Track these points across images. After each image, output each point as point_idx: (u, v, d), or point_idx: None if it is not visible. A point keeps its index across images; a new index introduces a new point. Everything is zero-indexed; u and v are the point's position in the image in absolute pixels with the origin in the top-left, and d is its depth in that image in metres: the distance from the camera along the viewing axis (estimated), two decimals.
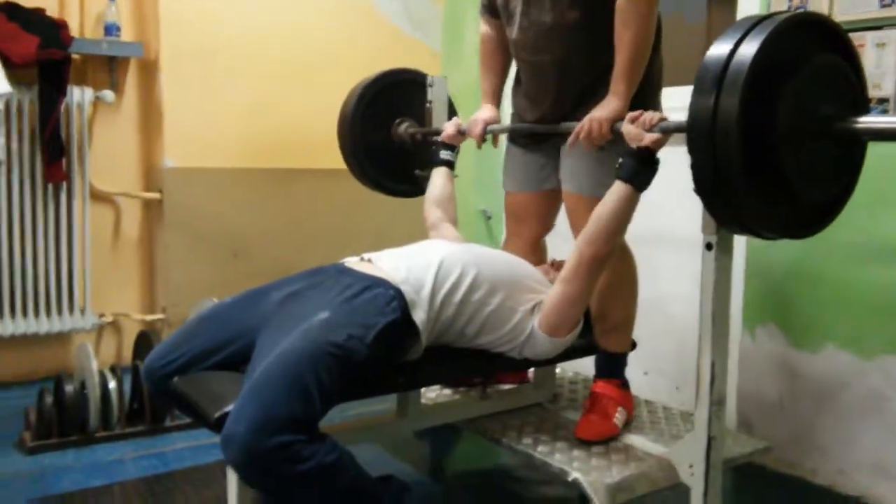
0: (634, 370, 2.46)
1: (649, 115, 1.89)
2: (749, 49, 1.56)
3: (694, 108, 1.61)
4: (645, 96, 2.12)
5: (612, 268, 2.13)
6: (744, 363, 2.71)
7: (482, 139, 2.45)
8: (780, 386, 2.62)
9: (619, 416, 2.24)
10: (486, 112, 2.48)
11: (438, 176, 2.50)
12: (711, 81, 1.58)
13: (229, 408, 1.63)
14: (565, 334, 2.05)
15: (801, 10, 2.31)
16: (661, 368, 2.96)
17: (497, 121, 2.48)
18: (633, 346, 2.37)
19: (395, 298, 1.86)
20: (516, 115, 2.46)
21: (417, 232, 2.45)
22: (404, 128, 2.80)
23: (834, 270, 2.47)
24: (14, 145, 3.17)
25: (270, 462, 1.56)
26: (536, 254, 2.51)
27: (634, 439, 2.22)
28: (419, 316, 1.89)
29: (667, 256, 2.86)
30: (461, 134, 2.50)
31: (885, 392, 2.36)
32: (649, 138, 1.87)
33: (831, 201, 1.79)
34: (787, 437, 2.59)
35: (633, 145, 1.90)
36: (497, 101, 2.54)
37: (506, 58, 2.47)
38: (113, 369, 2.83)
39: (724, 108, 1.55)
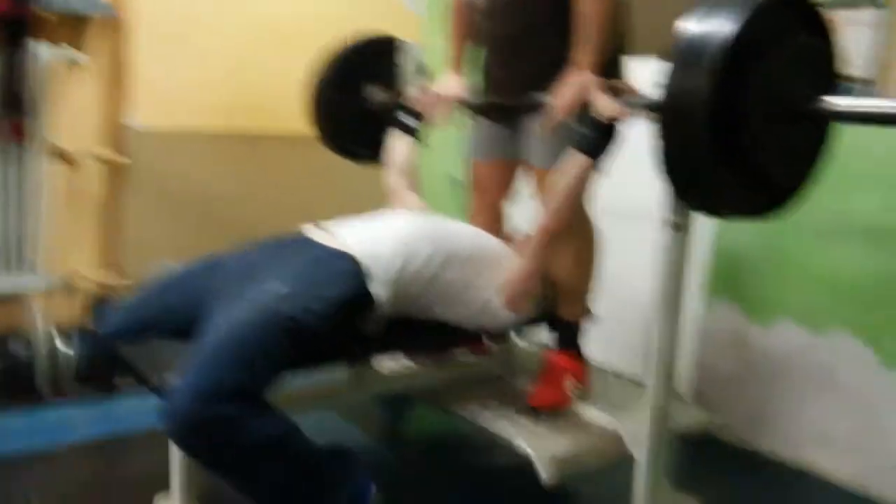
0: (598, 341, 2.47)
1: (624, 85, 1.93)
2: (723, 26, 1.54)
3: (665, 85, 1.59)
4: (606, 65, 2.10)
5: (571, 237, 2.13)
6: (703, 338, 2.74)
7: (446, 114, 2.45)
8: (736, 360, 2.66)
9: (571, 386, 2.24)
10: (451, 83, 2.45)
11: (399, 142, 2.46)
12: (684, 58, 1.57)
13: (171, 375, 1.61)
14: (523, 307, 2.07)
15: None
16: (626, 340, 2.97)
17: (463, 90, 2.45)
18: (592, 316, 2.37)
19: (352, 272, 1.84)
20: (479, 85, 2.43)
21: (384, 200, 2.43)
22: (373, 93, 2.76)
23: (797, 248, 2.50)
24: None
25: (213, 433, 1.53)
26: (499, 221, 2.51)
27: (587, 410, 2.23)
28: (377, 289, 1.86)
29: (634, 230, 2.85)
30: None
31: (834, 366, 2.42)
32: (621, 111, 1.88)
33: (796, 182, 1.79)
34: (740, 410, 2.64)
35: (600, 116, 1.90)
36: (462, 68, 2.51)
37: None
38: (66, 332, 2.79)
39: (695, 85, 1.54)
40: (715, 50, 1.51)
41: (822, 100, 1.63)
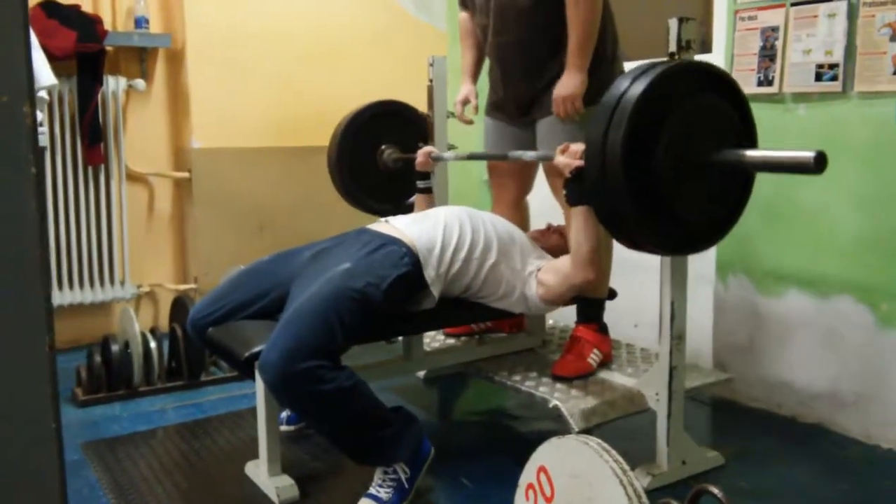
0: (626, 323, 2.69)
1: (576, 146, 2.08)
2: (637, 88, 1.71)
3: (588, 136, 1.78)
4: (600, 70, 2.37)
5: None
6: (720, 311, 2.94)
7: (463, 114, 2.77)
8: (751, 329, 2.85)
9: (593, 357, 2.50)
10: (464, 89, 2.76)
11: (419, 203, 2.80)
12: (603, 116, 1.76)
13: (258, 348, 1.95)
14: (560, 304, 2.37)
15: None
16: (650, 321, 3.17)
17: (473, 95, 2.75)
18: (612, 294, 2.63)
19: (407, 255, 2.18)
20: (492, 92, 2.70)
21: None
22: (388, 154, 3.06)
23: (798, 222, 2.67)
24: (56, 131, 3.46)
25: (298, 383, 1.88)
26: (519, 213, 2.78)
27: (612, 375, 2.50)
28: (429, 272, 2.20)
29: None
30: (433, 160, 2.76)
31: (839, 329, 2.59)
32: (578, 163, 2.05)
33: (718, 221, 1.94)
34: (756, 374, 2.83)
35: (567, 172, 2.10)
36: (475, 77, 2.80)
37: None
38: (153, 331, 3.13)
39: (612, 140, 1.70)
40: (626, 106, 1.68)
41: (723, 152, 1.78)
